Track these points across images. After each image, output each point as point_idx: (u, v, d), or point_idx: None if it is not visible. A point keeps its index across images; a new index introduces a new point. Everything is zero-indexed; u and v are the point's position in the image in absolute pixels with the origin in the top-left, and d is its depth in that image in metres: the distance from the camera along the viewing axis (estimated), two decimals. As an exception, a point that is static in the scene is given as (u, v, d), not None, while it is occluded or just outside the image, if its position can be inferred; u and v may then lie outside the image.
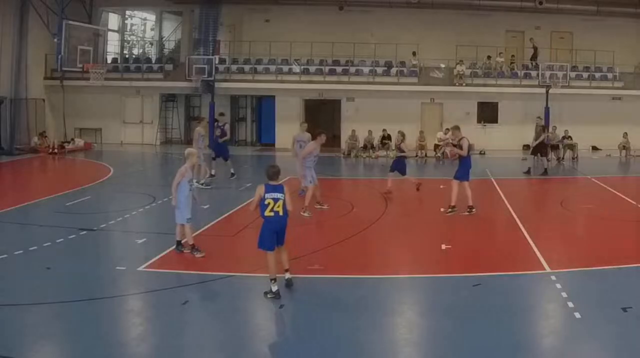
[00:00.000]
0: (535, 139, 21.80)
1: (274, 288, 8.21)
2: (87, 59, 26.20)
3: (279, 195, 8.28)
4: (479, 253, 10.90)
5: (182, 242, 10.46)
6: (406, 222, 13.81)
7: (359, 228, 12.40)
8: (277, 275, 8.31)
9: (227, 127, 19.25)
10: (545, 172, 21.19)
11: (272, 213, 8.24)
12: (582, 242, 12.19)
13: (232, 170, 19.07)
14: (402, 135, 16.37)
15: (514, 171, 23.21)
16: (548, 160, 21.74)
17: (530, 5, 28.58)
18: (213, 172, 18.46)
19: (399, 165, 16.44)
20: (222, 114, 20.82)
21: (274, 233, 8.30)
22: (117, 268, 9.62)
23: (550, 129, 26.69)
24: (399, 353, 6.94)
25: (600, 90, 28.84)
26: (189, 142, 30.85)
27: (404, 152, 16.38)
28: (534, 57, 29.86)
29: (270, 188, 8.32)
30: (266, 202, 8.22)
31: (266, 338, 7.27)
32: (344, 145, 28.13)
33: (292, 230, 11.40)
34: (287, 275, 8.65)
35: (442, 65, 29.49)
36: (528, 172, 21.12)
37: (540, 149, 21.87)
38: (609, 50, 28.77)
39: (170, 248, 10.65)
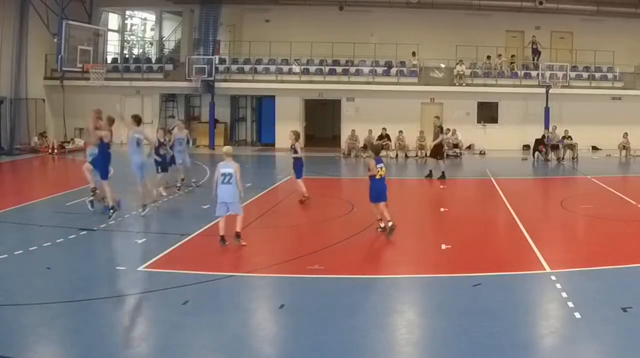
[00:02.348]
0: (433, 140, 20.26)
1: None
2: (87, 59, 26.22)
3: (382, 164, 11.87)
4: (479, 253, 10.89)
5: (239, 231, 10.73)
6: (406, 222, 13.80)
7: (359, 228, 12.39)
8: (383, 223, 11.79)
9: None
10: (443, 175, 19.60)
11: (379, 177, 11.66)
12: (582, 242, 12.20)
13: (182, 177, 16.95)
14: (296, 134, 15.16)
15: (514, 171, 23.23)
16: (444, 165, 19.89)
17: (530, 5, 28.58)
18: (182, 176, 16.93)
19: (295, 167, 15.06)
20: (172, 117, 19.71)
21: (379, 191, 11.73)
22: (117, 268, 9.62)
23: (550, 129, 26.73)
24: (399, 353, 6.94)
25: (600, 90, 28.83)
26: (188, 142, 30.89)
27: (297, 152, 14.99)
28: (535, 53, 29.88)
29: (378, 161, 11.83)
30: (377, 168, 11.61)
31: (266, 338, 7.27)
32: (344, 145, 28.12)
33: (292, 230, 11.45)
34: (390, 224, 11.59)
35: (442, 65, 29.48)
36: (429, 175, 19.76)
37: (438, 151, 20.07)
38: (609, 50, 28.75)
39: (171, 248, 10.67)
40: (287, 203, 14.36)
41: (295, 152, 14.92)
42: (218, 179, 10.72)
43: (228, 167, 10.72)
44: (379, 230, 11.93)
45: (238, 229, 10.75)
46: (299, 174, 15.00)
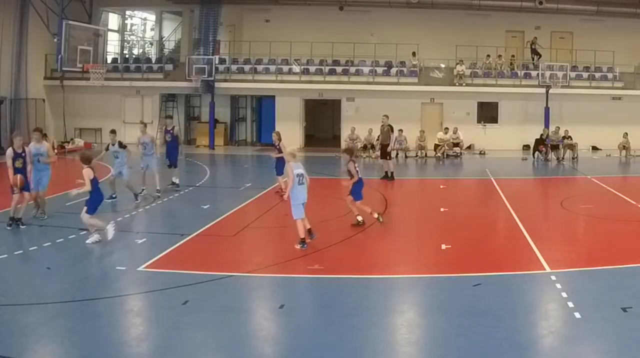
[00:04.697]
0: (382, 141, 19.57)
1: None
2: (87, 59, 26.23)
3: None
4: (479, 253, 10.89)
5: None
6: (406, 222, 13.81)
7: (359, 228, 12.39)
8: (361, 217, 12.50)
9: (176, 131, 17.46)
10: (390, 176, 19.23)
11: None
12: (582, 242, 12.19)
13: (175, 179, 16.85)
14: (279, 135, 16.35)
15: (514, 171, 23.23)
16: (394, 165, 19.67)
17: (530, 5, 28.58)
18: (177, 180, 16.90)
19: (277, 165, 15.96)
20: (169, 117, 19.69)
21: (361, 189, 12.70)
22: (117, 268, 9.62)
23: (553, 129, 26.66)
24: (399, 353, 6.94)
25: (600, 90, 28.85)
26: (189, 142, 30.95)
27: (281, 152, 15.50)
28: (534, 54, 29.87)
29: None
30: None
31: (266, 338, 7.26)
32: (344, 145, 28.10)
33: (293, 230, 11.43)
34: (376, 215, 12.55)
35: (442, 65, 29.51)
36: (386, 176, 19.29)
37: (385, 151, 19.40)
38: (609, 50, 28.76)
39: (171, 248, 10.67)
40: (287, 203, 14.36)
41: (280, 151, 15.56)
42: (294, 180, 10.61)
43: (300, 167, 10.81)
44: (360, 224, 12.46)
45: (309, 226, 10.95)
46: (280, 172, 15.56)
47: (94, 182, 10.89)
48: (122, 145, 14.79)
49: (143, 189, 15.56)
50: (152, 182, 15.89)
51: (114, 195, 14.86)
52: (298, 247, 10.58)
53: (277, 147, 16.19)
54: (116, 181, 15.06)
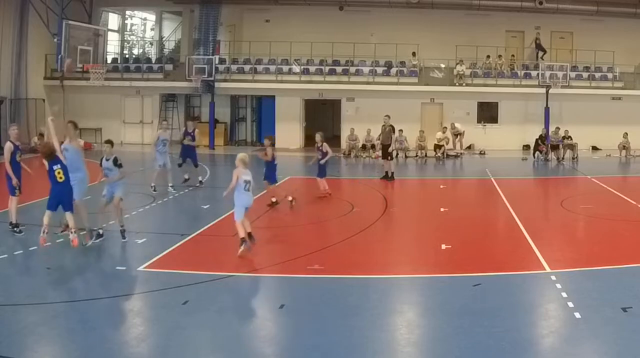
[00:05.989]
0: (383, 141, 19.56)
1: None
2: (87, 59, 26.20)
3: None
4: (479, 253, 10.89)
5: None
6: (406, 222, 13.81)
7: (359, 228, 12.39)
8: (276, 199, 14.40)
9: (197, 133, 17.95)
10: (391, 176, 19.15)
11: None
12: (582, 242, 12.20)
13: (200, 178, 17.82)
14: (321, 135, 16.07)
15: (514, 171, 23.24)
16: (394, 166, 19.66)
17: (530, 5, 28.59)
18: (187, 176, 17.52)
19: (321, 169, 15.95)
20: (190, 119, 20.21)
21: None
22: (117, 268, 9.63)
23: (553, 130, 26.65)
24: (399, 353, 6.93)
25: (600, 90, 28.85)
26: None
27: (325, 155, 15.74)
28: (538, 48, 29.86)
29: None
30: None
31: (266, 338, 7.27)
32: (344, 144, 28.12)
33: (292, 230, 11.46)
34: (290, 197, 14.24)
35: (442, 65, 29.50)
36: (386, 176, 19.20)
37: (386, 151, 19.36)
38: (609, 50, 28.76)
39: (171, 248, 10.67)
40: (286, 203, 14.40)
41: (324, 155, 15.78)
42: (241, 185, 10.40)
43: (249, 174, 10.61)
44: (289, 203, 14.12)
45: (250, 229, 10.70)
46: (322, 173, 15.97)
47: (50, 174, 10.59)
48: (116, 163, 11.36)
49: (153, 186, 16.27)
50: (166, 179, 16.65)
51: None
52: (241, 248, 10.14)
53: (320, 149, 15.61)
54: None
